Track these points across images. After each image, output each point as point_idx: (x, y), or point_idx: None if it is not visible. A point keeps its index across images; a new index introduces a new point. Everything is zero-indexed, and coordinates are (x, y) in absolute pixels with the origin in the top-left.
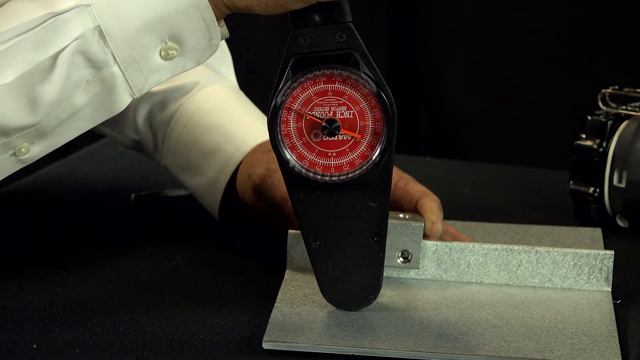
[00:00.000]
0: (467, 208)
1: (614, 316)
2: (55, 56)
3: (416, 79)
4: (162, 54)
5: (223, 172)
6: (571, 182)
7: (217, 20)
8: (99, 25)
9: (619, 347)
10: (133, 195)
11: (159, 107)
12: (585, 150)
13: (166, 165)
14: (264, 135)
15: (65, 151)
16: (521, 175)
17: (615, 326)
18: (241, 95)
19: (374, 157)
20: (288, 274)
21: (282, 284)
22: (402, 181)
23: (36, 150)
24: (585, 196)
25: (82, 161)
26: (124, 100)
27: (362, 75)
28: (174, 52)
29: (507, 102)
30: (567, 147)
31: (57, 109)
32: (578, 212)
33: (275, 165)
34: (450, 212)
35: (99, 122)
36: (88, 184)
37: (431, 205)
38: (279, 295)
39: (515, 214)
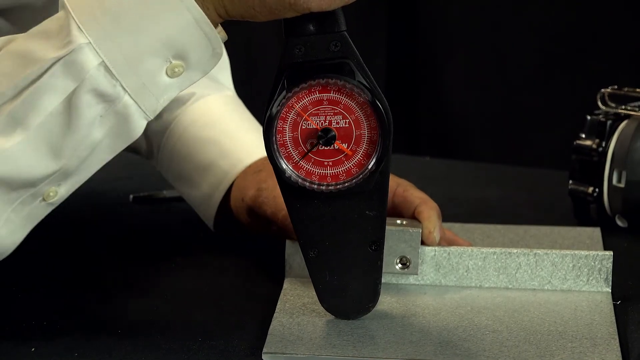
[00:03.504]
0: (466, 208)
1: (614, 317)
2: (67, 100)
3: (416, 79)
4: (169, 73)
5: (217, 188)
6: (570, 181)
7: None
8: (103, 61)
9: (619, 349)
10: (132, 196)
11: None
12: (584, 150)
13: (161, 172)
14: (259, 152)
15: None
16: (520, 175)
17: (616, 328)
18: (238, 107)
19: (370, 166)
20: (287, 283)
21: (281, 294)
22: (401, 188)
23: (63, 191)
24: (585, 196)
25: None
26: (141, 125)
27: (357, 84)
28: (181, 69)
29: (506, 102)
30: (566, 147)
31: (78, 150)
32: (577, 212)
33: (264, 184)
34: (450, 211)
35: (120, 150)
36: (87, 185)
37: (430, 213)
38: (278, 306)
39: (514, 213)
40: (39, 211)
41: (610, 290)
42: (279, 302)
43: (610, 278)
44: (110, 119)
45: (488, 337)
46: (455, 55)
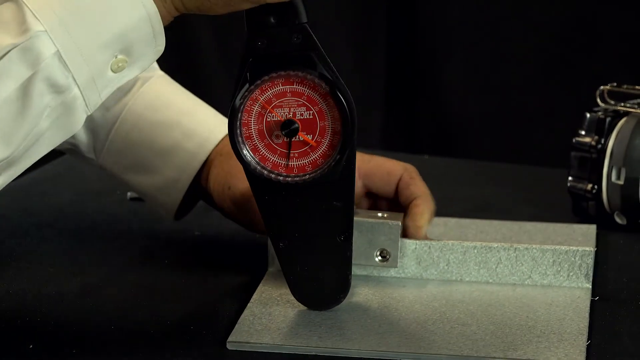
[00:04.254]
0: (465, 206)
1: (588, 314)
2: (22, 87)
3: (415, 78)
4: (113, 67)
5: (185, 171)
6: (569, 179)
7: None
8: (58, 50)
9: (585, 345)
10: (129, 194)
11: (100, 109)
12: (583, 147)
13: (104, 165)
14: (223, 128)
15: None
16: (519, 173)
17: (587, 324)
18: (179, 86)
19: (335, 156)
20: (268, 275)
21: (260, 284)
22: (407, 174)
23: (0, 181)
24: (584, 193)
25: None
26: (81, 118)
27: (318, 75)
28: (124, 64)
29: (505, 100)
30: (565, 144)
31: (26, 140)
32: (576, 209)
33: None
34: (448, 209)
35: (58, 144)
36: (84, 183)
37: (424, 209)
38: (254, 296)
39: (513, 211)
40: None
41: (590, 287)
42: (255, 293)
43: (591, 274)
44: (57, 110)
45: (456, 330)
46: (454, 54)
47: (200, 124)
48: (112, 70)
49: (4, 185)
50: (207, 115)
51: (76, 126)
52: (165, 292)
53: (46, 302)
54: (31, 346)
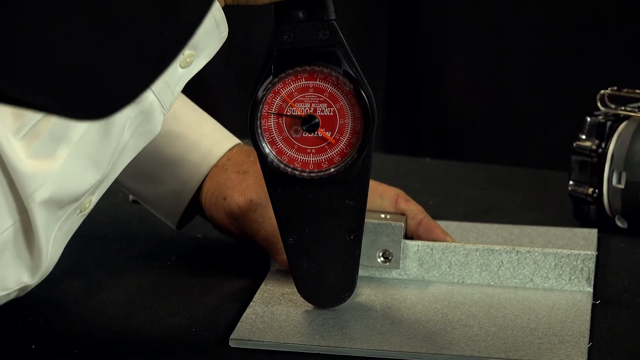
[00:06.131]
0: (466, 209)
1: (589, 317)
2: None
3: (416, 80)
4: (182, 64)
5: (189, 183)
6: (570, 183)
7: None
8: None
9: (586, 347)
10: (131, 196)
11: None
12: (584, 151)
13: None
14: (227, 142)
15: None
16: (520, 176)
17: (588, 327)
18: (186, 97)
19: (352, 155)
20: (270, 274)
21: (262, 283)
22: (402, 197)
23: (94, 199)
24: (585, 197)
25: None
26: (160, 120)
27: (343, 73)
28: (192, 58)
29: (506, 102)
30: (566, 148)
31: (113, 156)
32: (577, 213)
33: (257, 197)
34: (450, 212)
35: (141, 149)
36: None
37: (437, 226)
38: (256, 295)
39: (514, 214)
40: (75, 223)
41: (592, 290)
42: (257, 292)
43: (592, 278)
44: (137, 120)
45: (457, 331)
46: (455, 55)
47: (205, 136)
48: (180, 67)
49: (98, 200)
50: (212, 128)
51: (156, 129)
52: (167, 293)
53: (48, 303)
54: (33, 347)
